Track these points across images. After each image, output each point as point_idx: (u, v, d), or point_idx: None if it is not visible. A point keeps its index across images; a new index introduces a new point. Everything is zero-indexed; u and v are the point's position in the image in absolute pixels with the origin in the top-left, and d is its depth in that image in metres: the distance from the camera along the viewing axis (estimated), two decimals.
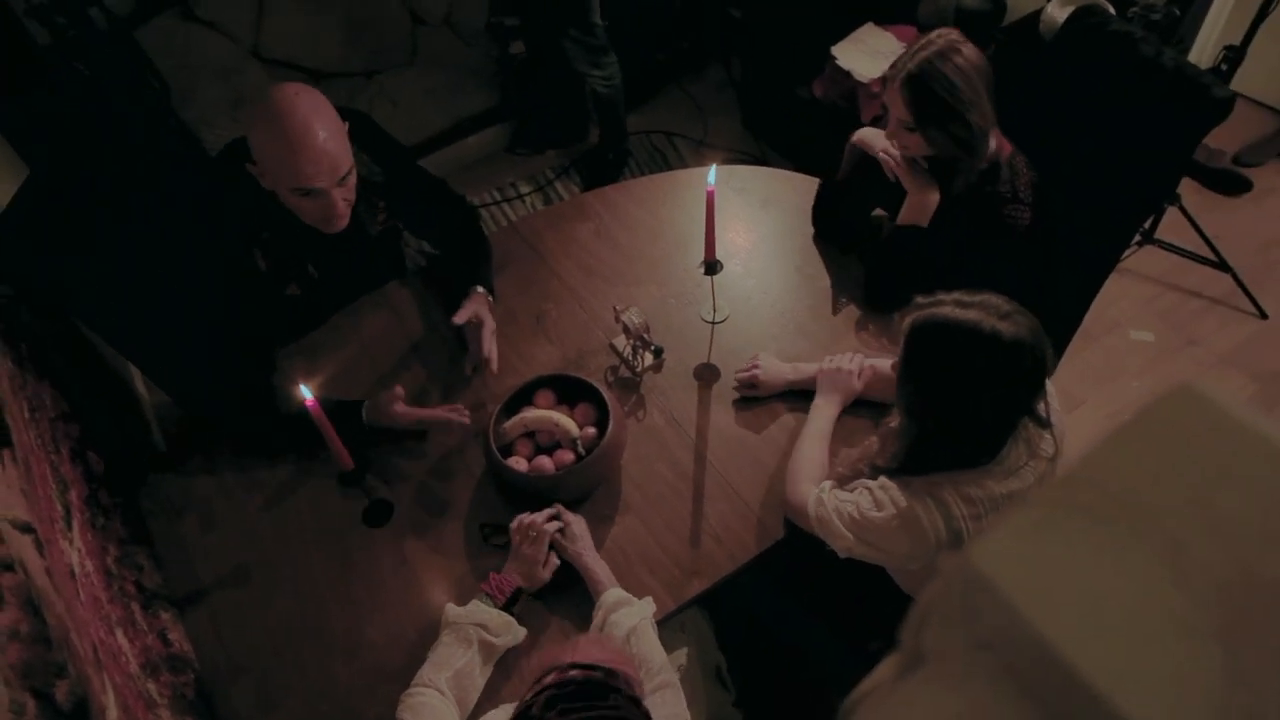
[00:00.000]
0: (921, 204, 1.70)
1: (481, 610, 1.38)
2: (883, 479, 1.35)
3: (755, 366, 1.72)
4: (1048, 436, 1.34)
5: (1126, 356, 2.79)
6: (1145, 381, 2.74)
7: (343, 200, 1.66)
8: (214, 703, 1.45)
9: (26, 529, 1.25)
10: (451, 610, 1.39)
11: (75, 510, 1.43)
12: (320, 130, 1.56)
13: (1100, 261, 2.27)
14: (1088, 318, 2.57)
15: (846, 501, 1.38)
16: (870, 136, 1.80)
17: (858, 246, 1.89)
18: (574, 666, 0.98)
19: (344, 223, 1.71)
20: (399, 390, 1.68)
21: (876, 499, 1.34)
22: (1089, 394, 2.69)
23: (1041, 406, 1.29)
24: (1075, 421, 2.51)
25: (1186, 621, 0.28)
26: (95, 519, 1.49)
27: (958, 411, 1.27)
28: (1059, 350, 2.27)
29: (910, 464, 1.34)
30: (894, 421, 1.46)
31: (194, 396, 1.95)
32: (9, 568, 1.15)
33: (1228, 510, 0.29)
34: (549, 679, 0.98)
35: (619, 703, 0.94)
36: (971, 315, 1.20)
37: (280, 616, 1.55)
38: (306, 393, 1.35)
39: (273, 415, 1.69)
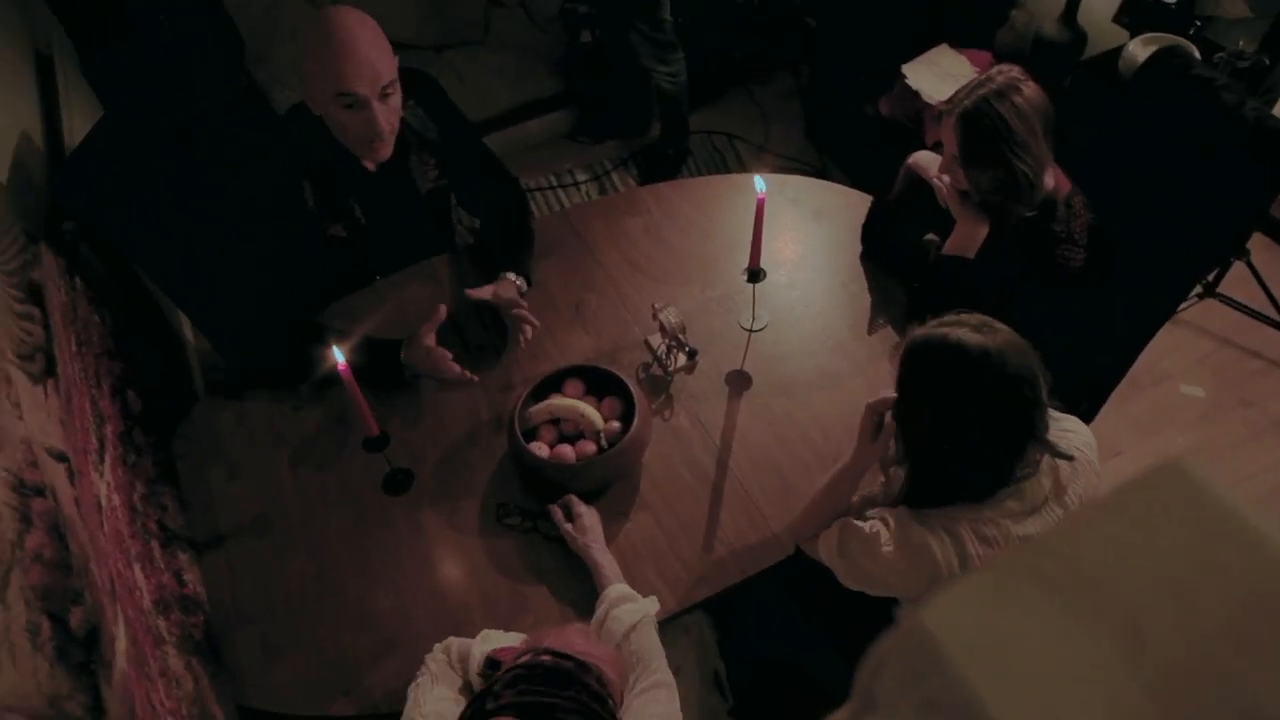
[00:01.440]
0: (969, 235, 1.67)
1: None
2: (896, 511, 1.33)
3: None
4: (1075, 484, 1.31)
5: (1174, 410, 2.71)
6: (1190, 438, 2.66)
7: (385, 120, 1.68)
8: (219, 647, 1.48)
9: (61, 458, 1.29)
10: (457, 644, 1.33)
11: (109, 445, 1.47)
12: (362, 35, 1.62)
13: (1156, 310, 2.21)
14: (1137, 367, 2.50)
15: (857, 538, 1.35)
16: (926, 160, 1.78)
17: (902, 270, 1.87)
18: (548, 652, 0.99)
19: (387, 150, 1.73)
20: (441, 312, 1.74)
21: (890, 533, 1.31)
22: (1129, 445, 2.63)
23: (1048, 431, 1.25)
24: (1111, 470, 2.44)
25: (1133, 710, 0.27)
26: (127, 455, 1.53)
27: (946, 432, 1.24)
28: (1102, 396, 2.22)
29: (918, 496, 1.32)
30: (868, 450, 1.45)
31: (234, 337, 2.00)
32: (40, 493, 1.19)
33: (1196, 600, 0.28)
34: (523, 659, 0.99)
35: (579, 695, 0.93)
36: (957, 334, 1.19)
37: (293, 572, 1.57)
38: (339, 356, 1.37)
39: (307, 354, 1.72)
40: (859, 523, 1.37)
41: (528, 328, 1.78)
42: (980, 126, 1.53)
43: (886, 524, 1.32)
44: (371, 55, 1.63)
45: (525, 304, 1.82)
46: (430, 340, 1.73)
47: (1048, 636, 0.29)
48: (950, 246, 1.70)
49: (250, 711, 1.43)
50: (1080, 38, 2.64)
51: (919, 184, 1.79)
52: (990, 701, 0.28)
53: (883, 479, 1.46)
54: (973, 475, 1.27)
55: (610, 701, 0.97)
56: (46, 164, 1.99)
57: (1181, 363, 2.79)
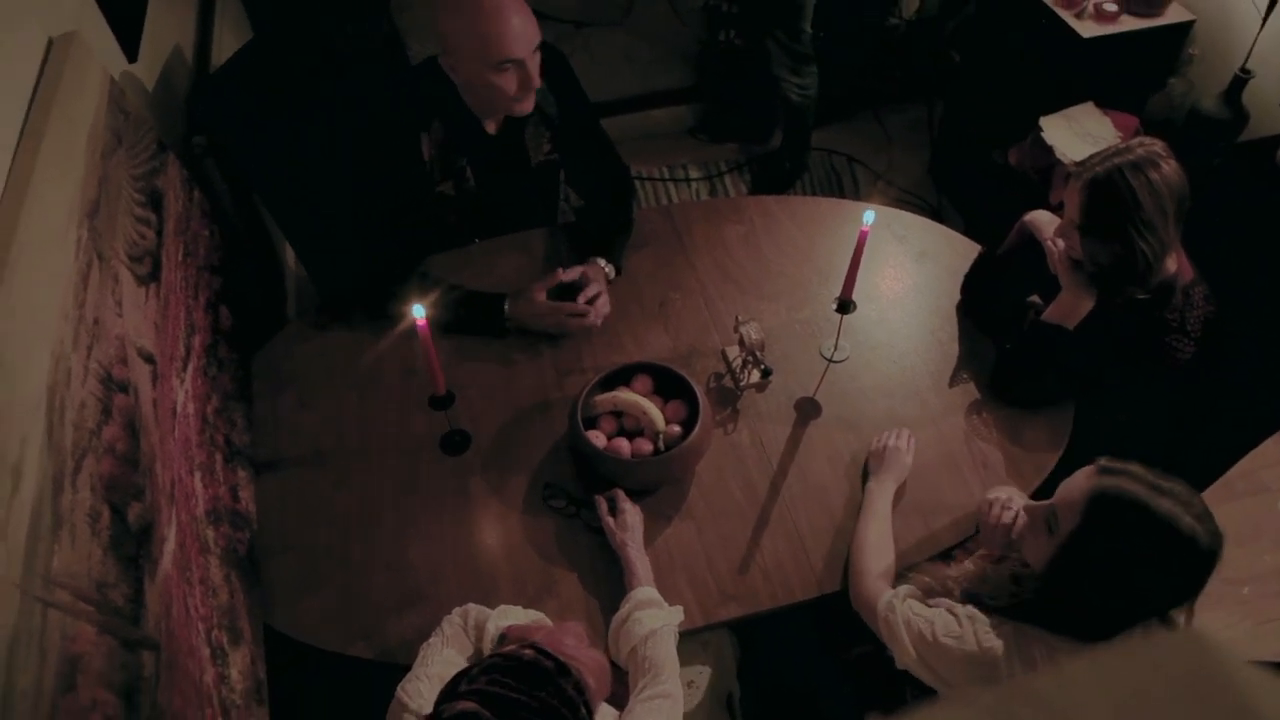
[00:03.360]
0: (1073, 306, 1.60)
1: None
2: (972, 609, 1.27)
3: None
4: None
5: (1267, 525, 2.54)
6: (1278, 559, 2.49)
7: (536, 73, 1.73)
8: (259, 567, 1.54)
9: (149, 360, 1.36)
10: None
11: (194, 355, 1.54)
12: (514, 5, 1.66)
13: (1269, 418, 2.08)
14: (1235, 472, 2.36)
15: (920, 617, 1.30)
16: (1043, 220, 1.71)
17: (998, 328, 1.79)
18: (532, 647, 0.98)
19: (531, 104, 1.78)
20: (559, 274, 1.81)
21: (961, 628, 1.25)
22: None
23: (1182, 615, 1.19)
24: None
25: None
26: (209, 368, 1.59)
27: (1106, 591, 1.16)
28: None
29: (1027, 611, 1.24)
30: (992, 553, 1.39)
31: (331, 270, 2.07)
32: (124, 390, 1.25)
33: None
34: (507, 648, 0.99)
35: (548, 699, 0.92)
36: (1168, 506, 1.10)
37: (340, 508, 1.62)
38: (419, 312, 1.40)
39: (395, 299, 1.77)
40: (924, 605, 1.33)
41: (591, 313, 1.80)
42: (1108, 197, 1.45)
43: (957, 617, 1.27)
44: (523, 18, 1.67)
45: (605, 292, 1.83)
46: (541, 296, 1.80)
47: None
48: (1051, 313, 1.63)
49: (274, 634, 1.48)
50: (1241, 117, 2.48)
51: (1031, 243, 1.72)
52: None
53: (953, 571, 1.40)
54: (1103, 622, 1.19)
55: (583, 709, 0.95)
56: (191, 79, 2.09)
57: None
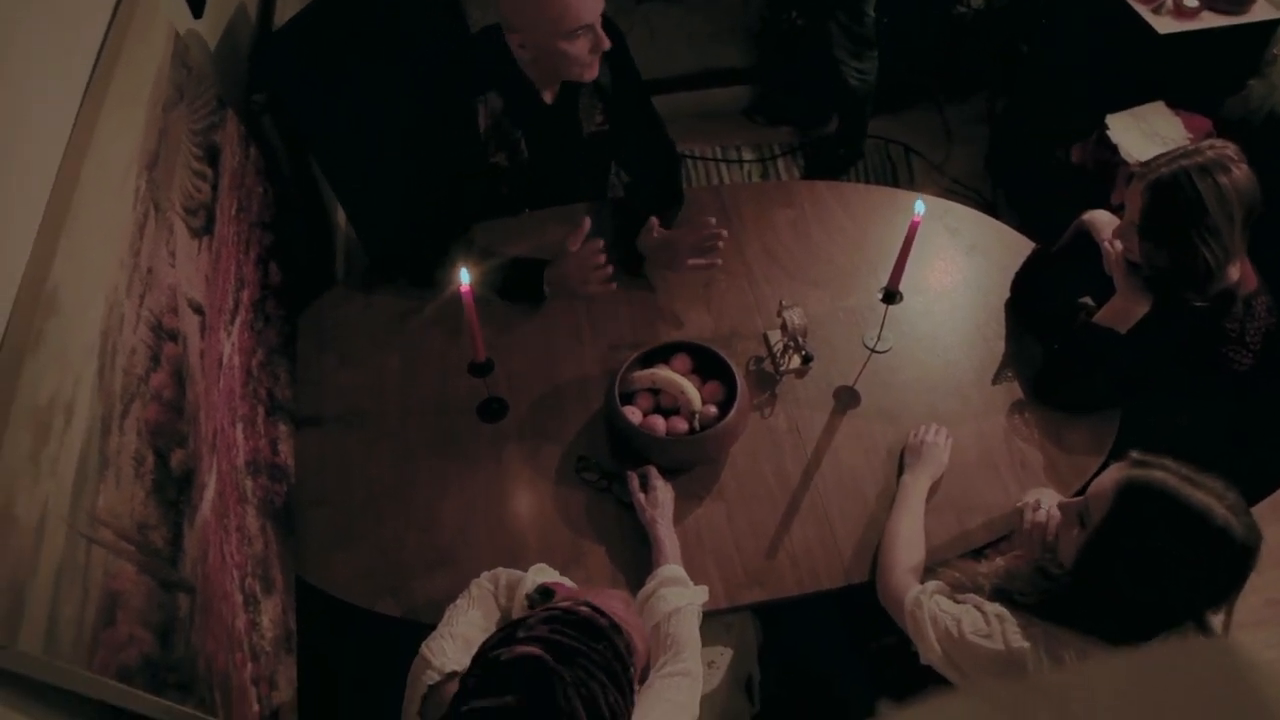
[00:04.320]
0: (1126, 310, 1.55)
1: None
2: (1000, 608, 1.25)
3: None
4: None
5: None
6: None
7: (603, 37, 1.73)
8: (294, 519, 1.57)
9: (198, 310, 1.39)
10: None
11: (243, 309, 1.57)
12: None
13: None
14: None
15: (947, 614, 1.29)
16: (1101, 220, 1.66)
17: (1047, 327, 1.75)
18: (588, 604, 1.00)
19: (598, 68, 1.78)
20: (586, 223, 1.79)
21: (989, 626, 1.23)
22: (1262, 568, 2.41)
23: (1218, 619, 1.16)
24: None
25: None
26: (256, 322, 1.63)
27: (1136, 584, 1.14)
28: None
29: (1056, 610, 1.22)
30: (1030, 550, 1.36)
31: (381, 233, 2.09)
32: (173, 338, 1.29)
33: None
34: (561, 604, 1.00)
35: (605, 652, 0.94)
36: (1201, 498, 1.08)
37: (376, 467, 1.65)
38: (465, 278, 1.41)
39: (442, 265, 1.78)
40: (952, 601, 1.31)
41: (605, 279, 1.78)
42: (1171, 199, 1.41)
43: (985, 615, 1.25)
44: None
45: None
46: (575, 246, 1.78)
47: None
48: (1103, 316, 1.59)
49: (305, 586, 1.52)
50: None
51: (1087, 243, 1.68)
52: None
53: (983, 568, 1.38)
54: (1134, 621, 1.16)
55: (631, 669, 0.97)
56: (254, 37, 2.12)
57: None
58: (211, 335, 1.41)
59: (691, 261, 1.79)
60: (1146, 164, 1.47)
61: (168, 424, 1.21)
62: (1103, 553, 1.16)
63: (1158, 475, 1.12)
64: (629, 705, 0.95)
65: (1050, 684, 0.29)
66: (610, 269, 1.78)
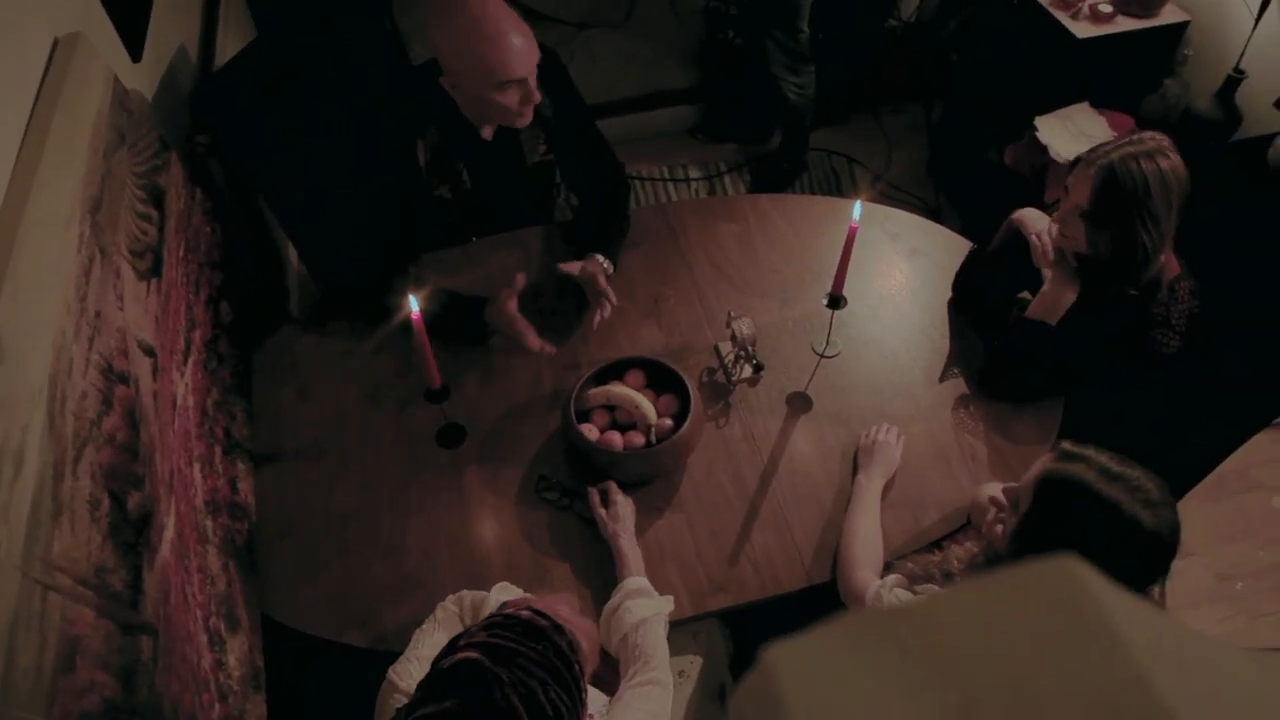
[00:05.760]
0: (1054, 300, 1.62)
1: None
2: None
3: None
4: None
5: (1259, 522, 2.56)
6: (1274, 554, 2.51)
7: (536, 89, 1.75)
8: (257, 556, 1.56)
9: (149, 352, 1.39)
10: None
11: (195, 349, 1.57)
12: (513, 24, 1.67)
13: (1256, 414, 2.10)
14: (1228, 469, 2.38)
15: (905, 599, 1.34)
16: (1029, 217, 1.73)
17: (987, 325, 1.82)
18: (529, 608, 1.02)
19: (530, 117, 1.79)
20: (519, 280, 1.77)
21: None
22: (1203, 548, 2.50)
23: (1154, 592, 1.20)
24: (1178, 570, 2.34)
25: None
26: (209, 361, 1.62)
27: None
28: (1178, 494, 2.12)
29: None
30: (973, 541, 1.41)
31: (330, 267, 2.10)
32: (124, 381, 1.28)
33: (1043, 694, 0.27)
34: (505, 610, 1.03)
35: (545, 651, 0.97)
36: (1114, 492, 1.12)
37: (338, 500, 1.65)
38: (414, 305, 1.42)
39: (392, 296, 1.78)
40: (910, 593, 1.35)
41: (606, 305, 1.81)
42: (1121, 184, 1.47)
43: None
44: (524, 38, 1.68)
45: (608, 285, 1.85)
46: (512, 306, 1.78)
47: (883, 698, 0.29)
48: (1034, 308, 1.65)
49: (271, 622, 1.51)
50: (1234, 118, 2.50)
51: (1021, 240, 1.74)
52: None
53: (936, 557, 1.42)
54: None
55: (576, 667, 0.99)
56: (195, 78, 2.12)
57: (1277, 474, 2.63)
58: (164, 376, 1.41)
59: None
60: (1092, 151, 1.54)
61: (122, 467, 1.21)
62: (1028, 540, 1.21)
63: (1075, 469, 1.16)
64: (577, 702, 0.98)
65: (915, 608, 0.32)
66: (541, 345, 1.78)
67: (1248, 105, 2.48)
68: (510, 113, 1.76)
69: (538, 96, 1.75)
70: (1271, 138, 2.27)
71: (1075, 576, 0.31)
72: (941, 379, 1.81)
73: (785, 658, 0.32)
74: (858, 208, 1.51)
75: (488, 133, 1.89)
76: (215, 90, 2.06)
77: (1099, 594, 0.30)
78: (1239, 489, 2.59)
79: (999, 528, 1.36)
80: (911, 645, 0.30)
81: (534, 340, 1.77)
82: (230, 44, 2.32)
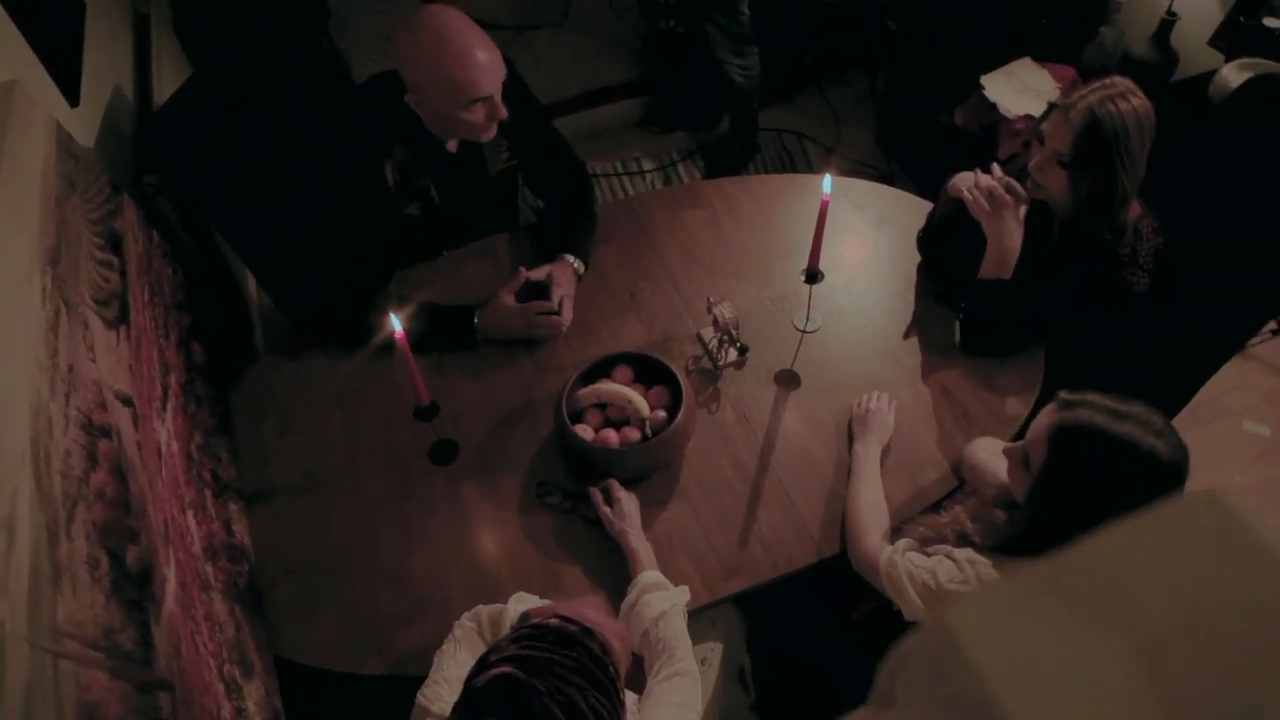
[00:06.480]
0: (1000, 254, 1.65)
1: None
2: (970, 552, 1.30)
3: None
4: None
5: (1235, 447, 2.63)
6: (1250, 477, 2.58)
7: (501, 105, 1.73)
8: (261, 596, 1.53)
9: (127, 402, 1.35)
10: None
11: (172, 393, 1.53)
12: (478, 41, 1.65)
13: (1225, 343, 2.15)
14: (1200, 399, 2.43)
15: (922, 568, 1.33)
16: (959, 180, 1.75)
17: (953, 293, 1.83)
18: (557, 616, 1.01)
19: (495, 131, 1.78)
20: (521, 274, 1.80)
21: (963, 572, 1.28)
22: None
23: None
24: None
25: None
26: (188, 405, 1.58)
27: (1082, 518, 1.21)
28: None
29: (1011, 547, 1.29)
30: (985, 496, 1.42)
31: (299, 298, 2.06)
32: (106, 434, 1.25)
33: (1217, 627, 0.27)
34: (531, 620, 1.01)
35: (579, 657, 0.95)
36: (1127, 429, 1.14)
37: (336, 530, 1.62)
38: (396, 324, 1.40)
39: (369, 320, 1.78)
40: (924, 555, 1.36)
41: (555, 319, 1.80)
42: (1103, 127, 1.49)
43: (957, 563, 1.30)
44: (489, 55, 1.66)
45: (573, 292, 1.84)
46: (510, 300, 1.78)
47: (1065, 649, 0.29)
48: (986, 268, 1.67)
49: (285, 662, 1.48)
50: (1171, 59, 2.56)
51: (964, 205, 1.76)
52: (1008, 703, 0.28)
53: (945, 518, 1.43)
54: None
55: (611, 668, 0.98)
56: (135, 119, 2.07)
57: (1247, 399, 2.70)
58: (145, 425, 1.37)
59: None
60: (1067, 98, 1.56)
61: (116, 522, 1.18)
62: (1048, 492, 1.22)
63: (1084, 414, 1.18)
64: (616, 704, 0.96)
65: (1074, 559, 0.32)
66: (555, 324, 1.80)
67: (1183, 46, 2.54)
68: (476, 128, 1.74)
69: (503, 112, 1.73)
70: (1210, 75, 2.32)
71: (1221, 505, 0.31)
72: (922, 341, 1.82)
73: (960, 620, 0.31)
74: (828, 181, 1.51)
75: (453, 145, 1.86)
76: (159, 129, 2.00)
77: (1249, 520, 0.30)
78: (1211, 417, 2.66)
79: (1001, 482, 1.38)
80: (1079, 593, 0.30)
81: (544, 321, 1.78)
82: (166, 81, 2.27)
